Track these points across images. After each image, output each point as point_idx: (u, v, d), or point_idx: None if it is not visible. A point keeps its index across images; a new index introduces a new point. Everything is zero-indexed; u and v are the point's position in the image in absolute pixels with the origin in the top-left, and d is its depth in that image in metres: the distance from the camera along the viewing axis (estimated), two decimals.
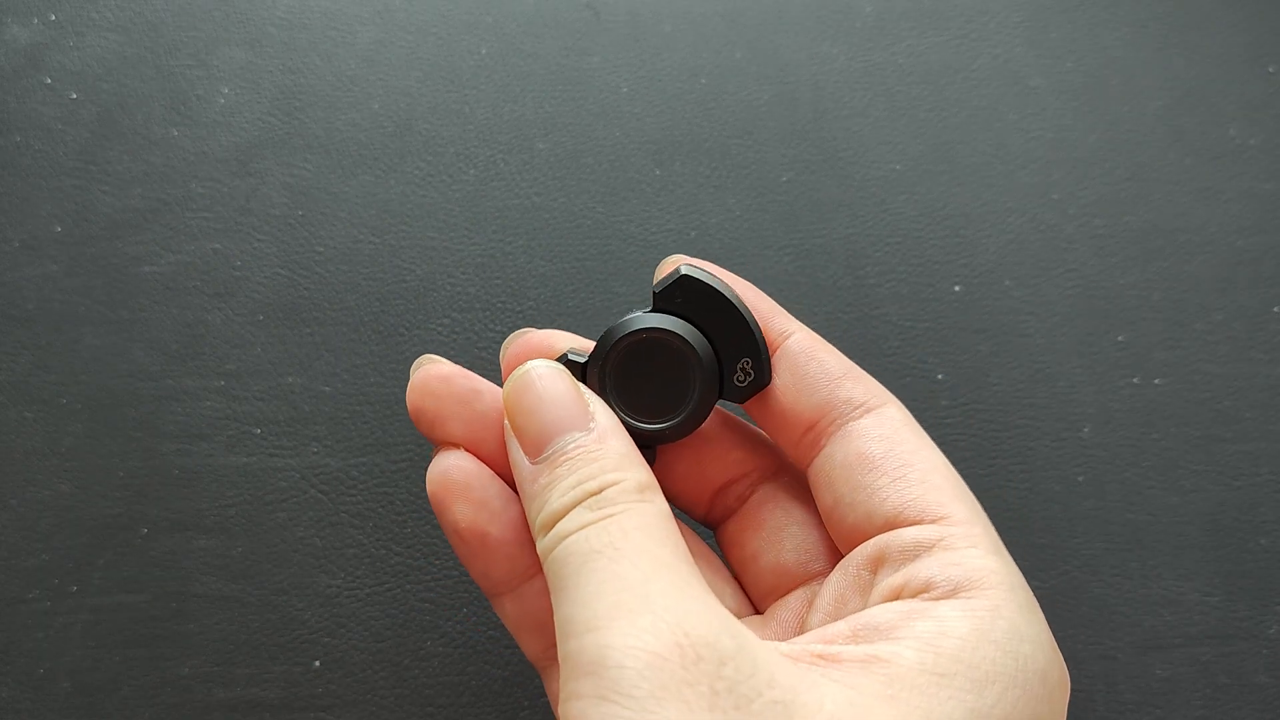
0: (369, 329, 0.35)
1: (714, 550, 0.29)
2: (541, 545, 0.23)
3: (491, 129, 0.38)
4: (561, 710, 0.19)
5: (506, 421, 0.24)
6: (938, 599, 0.22)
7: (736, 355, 0.26)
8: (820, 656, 0.21)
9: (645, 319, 0.26)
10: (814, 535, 0.27)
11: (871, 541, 0.24)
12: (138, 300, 0.35)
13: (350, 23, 0.39)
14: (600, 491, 0.22)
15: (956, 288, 0.37)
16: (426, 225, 0.36)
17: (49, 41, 0.38)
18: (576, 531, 0.22)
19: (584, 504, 0.22)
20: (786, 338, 0.27)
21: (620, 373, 0.26)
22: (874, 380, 0.27)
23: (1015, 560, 0.33)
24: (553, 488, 0.23)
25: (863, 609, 0.23)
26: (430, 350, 0.35)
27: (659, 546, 0.21)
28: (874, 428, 0.25)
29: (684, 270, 0.26)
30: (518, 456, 0.24)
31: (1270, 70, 0.40)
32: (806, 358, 0.26)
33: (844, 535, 0.25)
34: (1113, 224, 0.38)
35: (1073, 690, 0.32)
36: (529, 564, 0.25)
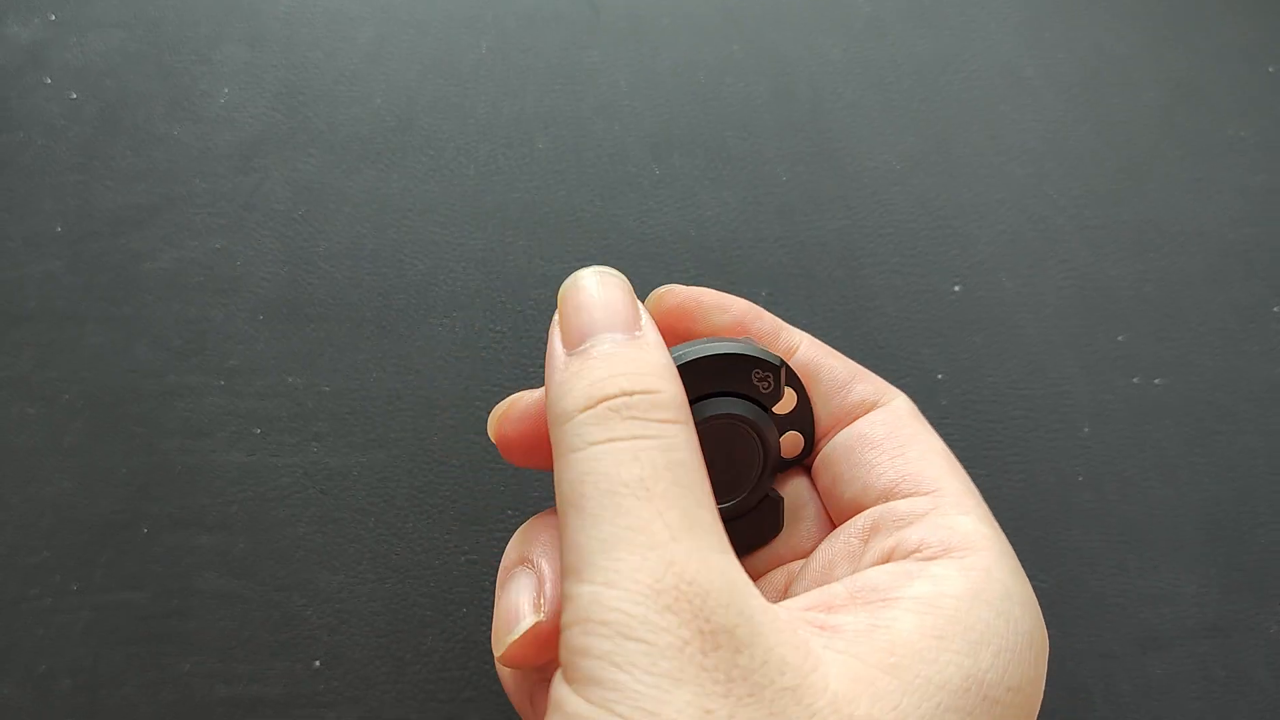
0: (371, 325, 0.35)
1: None
2: (559, 434, 0.21)
3: (492, 125, 0.38)
4: (570, 661, 0.19)
5: (555, 317, 0.23)
6: (929, 559, 0.22)
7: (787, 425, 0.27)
8: (823, 627, 0.21)
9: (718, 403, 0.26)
10: (807, 521, 0.27)
11: (865, 513, 0.24)
12: (140, 297, 0.35)
13: (351, 20, 0.39)
14: (632, 394, 0.21)
15: (956, 287, 0.37)
16: (428, 221, 0.36)
17: (50, 40, 0.38)
18: (605, 443, 0.20)
19: (614, 406, 0.21)
20: (794, 352, 0.27)
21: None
22: (880, 379, 0.27)
23: None
24: (581, 375, 0.21)
25: (852, 575, 0.23)
26: (431, 347, 0.35)
27: (688, 495, 0.20)
28: (881, 415, 0.26)
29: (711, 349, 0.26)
30: (555, 345, 0.22)
31: (1265, 66, 0.41)
32: (815, 368, 0.27)
33: (841, 510, 0.26)
34: (1106, 218, 0.38)
35: (1071, 686, 0.33)
36: None
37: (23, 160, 0.36)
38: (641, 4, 0.40)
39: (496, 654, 0.23)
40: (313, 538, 0.33)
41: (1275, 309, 0.37)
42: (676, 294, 0.27)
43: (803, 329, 0.36)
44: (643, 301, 0.26)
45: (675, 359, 0.25)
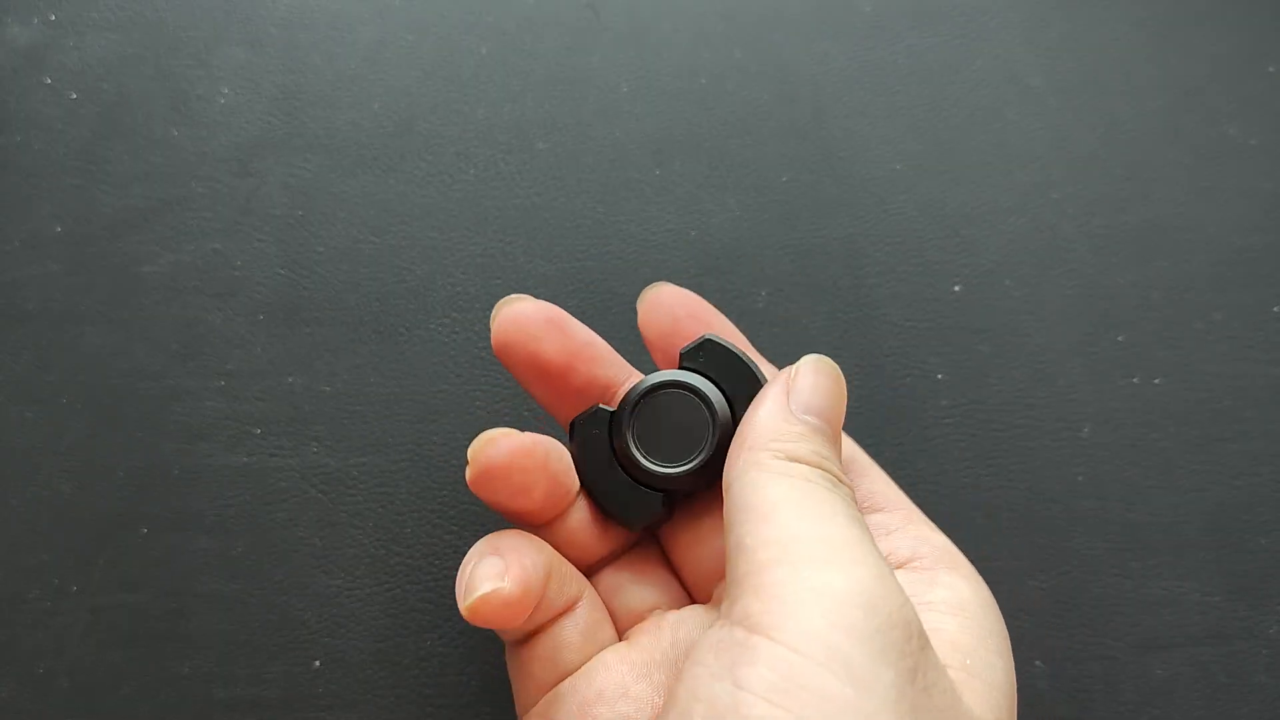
0: (369, 329, 0.35)
1: None
2: (771, 461, 0.23)
3: (491, 128, 0.38)
4: (770, 609, 0.20)
5: (789, 371, 0.25)
6: (929, 568, 0.24)
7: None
8: None
9: (671, 374, 0.28)
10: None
11: None
12: (138, 300, 0.35)
13: (351, 22, 0.39)
14: (839, 483, 0.23)
15: (956, 288, 0.37)
16: (426, 225, 0.36)
17: (49, 41, 0.38)
18: (820, 485, 0.22)
19: (824, 474, 0.23)
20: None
21: (642, 420, 0.27)
22: None
23: (1015, 559, 0.34)
24: (805, 440, 0.23)
25: None
26: (429, 350, 0.35)
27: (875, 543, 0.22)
28: None
29: (708, 336, 0.28)
30: (779, 393, 0.25)
31: (1269, 69, 0.40)
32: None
33: None
34: (1112, 223, 0.38)
35: (1073, 690, 0.33)
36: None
37: (22, 162, 0.36)
38: (642, 8, 0.40)
39: (464, 604, 0.24)
40: (312, 540, 0.33)
41: (1276, 309, 0.37)
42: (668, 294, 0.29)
43: (804, 333, 0.36)
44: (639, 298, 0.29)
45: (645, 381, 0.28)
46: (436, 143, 0.37)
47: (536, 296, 0.28)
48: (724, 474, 0.24)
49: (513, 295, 0.28)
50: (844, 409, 0.25)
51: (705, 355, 0.27)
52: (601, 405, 0.28)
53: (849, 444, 0.28)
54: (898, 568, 0.25)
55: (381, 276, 0.36)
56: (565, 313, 0.28)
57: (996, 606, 0.24)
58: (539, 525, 0.27)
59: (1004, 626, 0.24)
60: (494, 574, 0.24)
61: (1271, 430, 0.35)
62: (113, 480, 0.33)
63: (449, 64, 0.39)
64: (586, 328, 0.28)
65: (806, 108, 0.39)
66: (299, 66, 0.38)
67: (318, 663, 0.32)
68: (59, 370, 0.34)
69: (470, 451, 0.25)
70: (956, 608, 0.23)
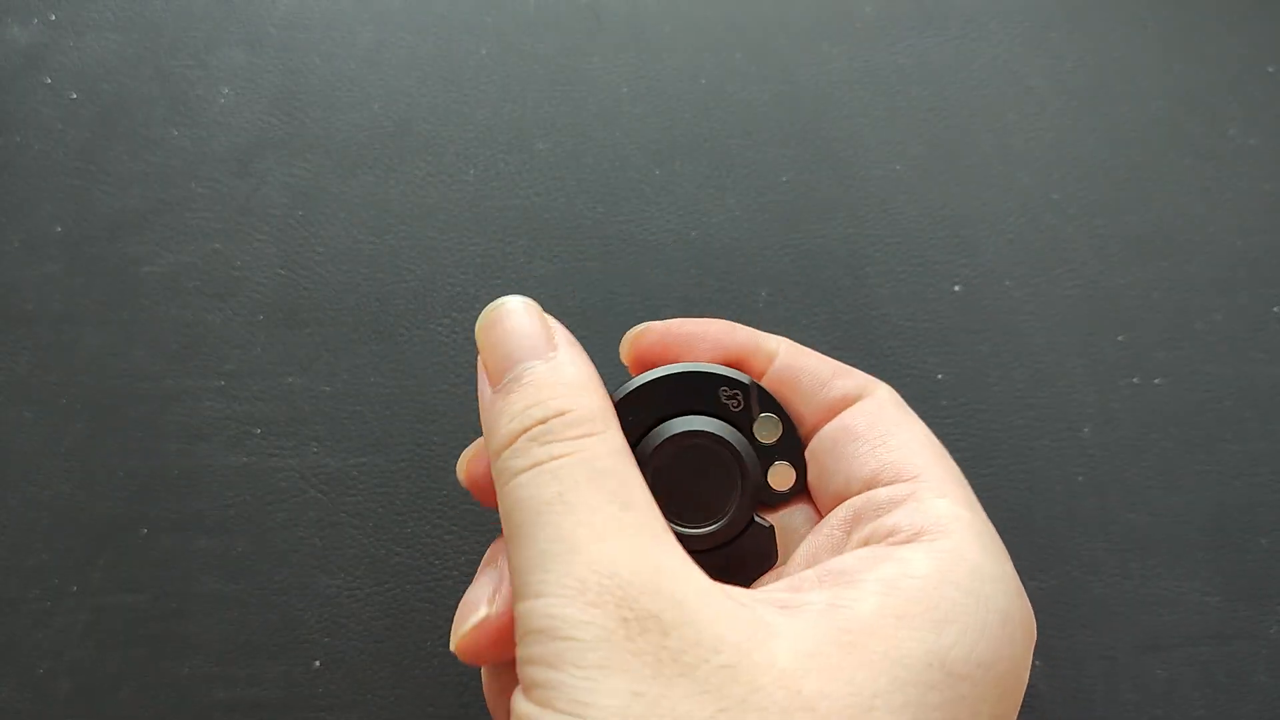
0: (369, 329, 0.35)
1: None
2: (494, 472, 0.22)
3: (491, 130, 0.38)
4: (520, 672, 0.20)
5: (479, 357, 0.24)
6: (900, 543, 0.22)
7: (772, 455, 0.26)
8: (783, 607, 0.21)
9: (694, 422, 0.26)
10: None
11: (847, 503, 0.25)
12: (138, 300, 0.35)
13: (350, 24, 0.39)
14: (547, 420, 0.22)
15: (956, 288, 0.37)
16: (426, 226, 0.36)
17: (49, 42, 0.38)
18: (527, 471, 0.21)
19: (533, 435, 0.22)
20: (774, 357, 0.27)
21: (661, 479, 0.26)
22: (862, 373, 0.27)
23: (1015, 560, 0.33)
24: (503, 414, 0.23)
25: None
26: (429, 350, 0.35)
27: (611, 498, 0.21)
28: (863, 407, 0.26)
29: (632, 386, 0.26)
30: (483, 387, 0.24)
31: (1270, 70, 0.40)
32: (796, 368, 0.27)
33: (826, 503, 0.26)
34: (1113, 224, 0.38)
35: (1073, 689, 0.33)
36: None
37: (21, 163, 0.36)
38: (643, 9, 0.40)
39: (451, 646, 0.24)
40: (311, 540, 0.33)
41: (1276, 310, 0.37)
42: (653, 330, 0.27)
43: (805, 334, 0.36)
44: (623, 341, 0.27)
45: (635, 382, 0.26)
46: (436, 144, 0.37)
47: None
48: None
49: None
50: (535, 324, 0.24)
51: (646, 395, 0.26)
52: None
53: (878, 402, 0.26)
54: (870, 545, 0.23)
55: (381, 277, 0.36)
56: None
57: (967, 584, 0.21)
58: None
59: (969, 602, 0.21)
60: (483, 597, 0.24)
61: (1271, 430, 0.35)
62: (112, 481, 0.33)
63: (449, 65, 0.39)
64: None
65: (807, 109, 0.39)
66: (299, 67, 0.38)
67: (318, 663, 0.32)
68: (58, 371, 0.34)
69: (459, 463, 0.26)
70: (889, 585, 0.21)
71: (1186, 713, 0.33)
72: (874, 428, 0.25)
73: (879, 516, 0.23)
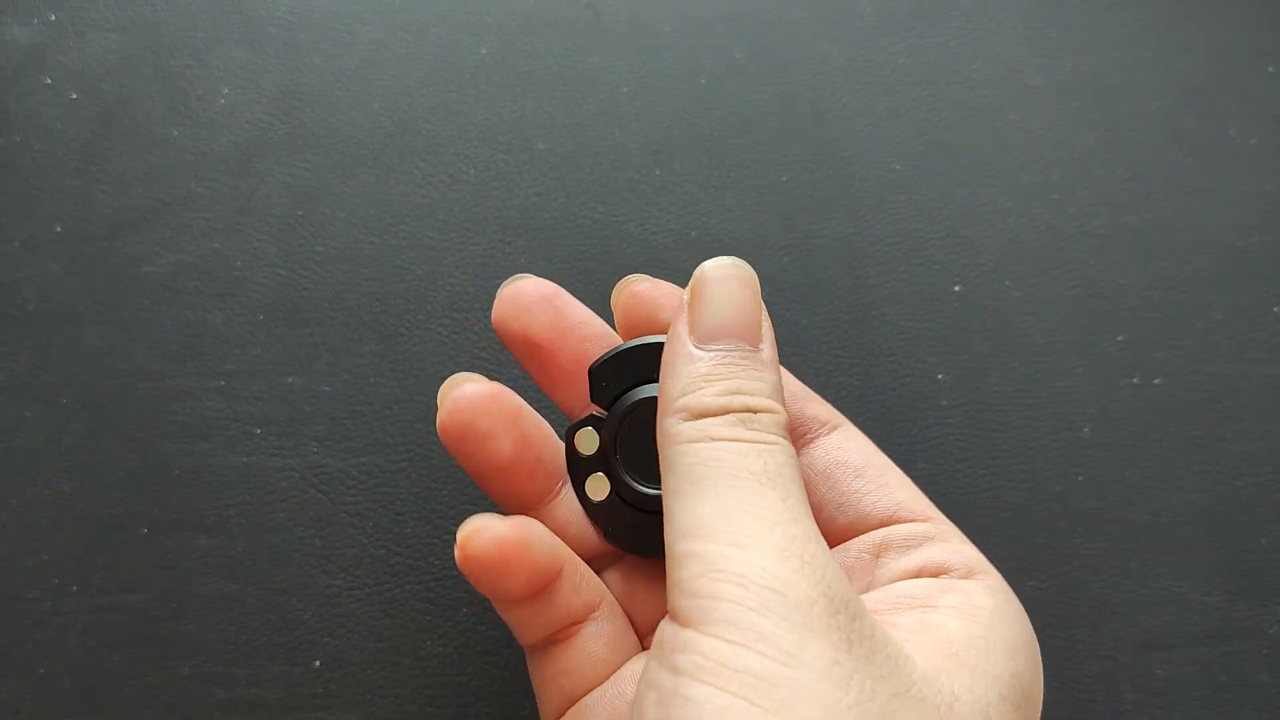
0: (369, 329, 0.35)
1: None
2: (677, 428, 0.23)
3: (491, 129, 0.38)
4: (700, 603, 0.20)
5: (685, 295, 0.24)
6: (958, 578, 0.25)
7: None
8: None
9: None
10: None
11: (872, 534, 0.26)
12: (138, 300, 0.35)
13: (350, 23, 0.39)
14: (757, 413, 0.23)
15: (956, 288, 0.37)
16: (426, 225, 0.36)
17: (49, 41, 0.38)
18: (730, 441, 0.22)
19: (744, 418, 0.23)
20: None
21: (628, 443, 0.27)
22: (826, 402, 0.29)
23: (1015, 559, 0.34)
24: (711, 382, 0.23)
25: (870, 586, 0.25)
26: (429, 350, 0.35)
27: (802, 492, 0.22)
28: (845, 441, 0.28)
29: (612, 352, 0.27)
30: (681, 332, 0.24)
31: (1270, 70, 0.40)
32: None
33: (833, 533, 0.27)
34: (1112, 223, 0.38)
35: (1073, 689, 0.33)
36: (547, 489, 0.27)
37: (21, 163, 0.36)
38: (643, 8, 0.40)
39: (460, 554, 0.24)
40: (311, 540, 0.33)
41: (1276, 309, 0.37)
42: (644, 281, 0.28)
43: (805, 334, 0.36)
44: (614, 291, 0.28)
45: (616, 350, 0.27)
46: (436, 143, 0.37)
47: None
48: None
49: (518, 274, 0.28)
50: (758, 307, 0.24)
51: (620, 364, 0.27)
52: (595, 413, 0.27)
53: (858, 439, 0.28)
54: (924, 576, 0.25)
55: (381, 276, 0.36)
56: (564, 291, 0.28)
57: (1018, 619, 0.24)
58: (532, 506, 0.27)
59: (1024, 635, 0.24)
60: (492, 518, 0.25)
61: (1271, 430, 0.35)
62: (112, 480, 0.33)
63: (449, 64, 0.39)
64: (586, 309, 0.28)
65: (807, 108, 0.39)
66: (299, 66, 0.38)
67: (318, 663, 0.32)
68: (58, 370, 0.34)
69: (440, 394, 0.26)
70: (966, 613, 0.23)
71: (1186, 712, 0.33)
72: (871, 465, 0.27)
73: (913, 549, 0.26)
